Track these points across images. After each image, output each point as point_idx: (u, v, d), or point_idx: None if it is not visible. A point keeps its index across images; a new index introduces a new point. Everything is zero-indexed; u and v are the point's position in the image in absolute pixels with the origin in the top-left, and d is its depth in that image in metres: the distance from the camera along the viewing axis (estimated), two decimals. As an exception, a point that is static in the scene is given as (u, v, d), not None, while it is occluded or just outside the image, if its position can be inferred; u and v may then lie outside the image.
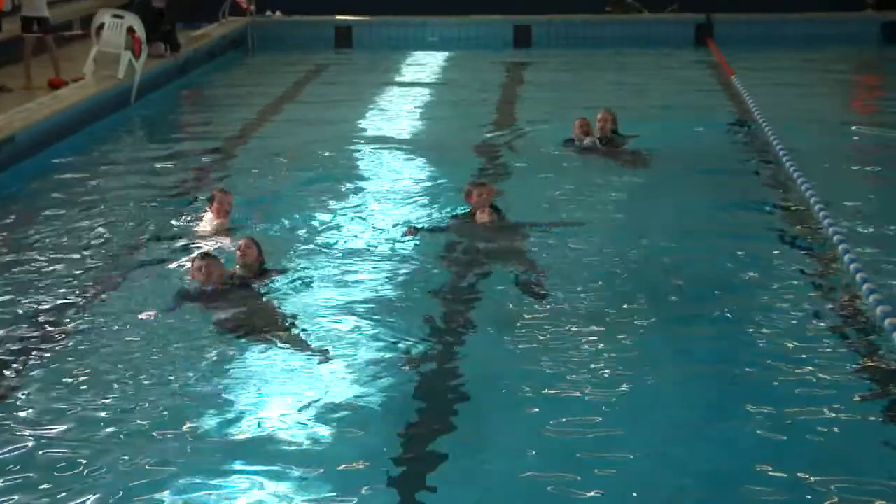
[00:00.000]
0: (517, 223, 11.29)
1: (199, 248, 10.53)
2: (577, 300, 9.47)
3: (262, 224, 11.37)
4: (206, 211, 11.37)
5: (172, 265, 10.29)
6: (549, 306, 9.36)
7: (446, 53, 22.84)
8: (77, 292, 9.71)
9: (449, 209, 11.78)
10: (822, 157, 14.12)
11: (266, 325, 8.83)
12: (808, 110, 17.28)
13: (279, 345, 8.54)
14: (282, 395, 7.81)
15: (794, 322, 9.05)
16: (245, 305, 9.15)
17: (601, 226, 11.43)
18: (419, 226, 11.30)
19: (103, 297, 9.66)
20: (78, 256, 10.66)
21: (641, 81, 19.99)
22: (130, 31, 17.66)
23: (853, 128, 16.36)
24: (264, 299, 9.33)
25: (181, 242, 10.99)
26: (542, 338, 8.74)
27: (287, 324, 8.89)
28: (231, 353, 8.44)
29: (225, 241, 10.72)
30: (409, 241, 10.92)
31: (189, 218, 11.68)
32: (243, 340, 8.64)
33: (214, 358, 8.34)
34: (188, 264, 9.78)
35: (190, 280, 9.50)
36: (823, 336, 8.80)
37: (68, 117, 15.63)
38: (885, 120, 16.80)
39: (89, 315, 9.20)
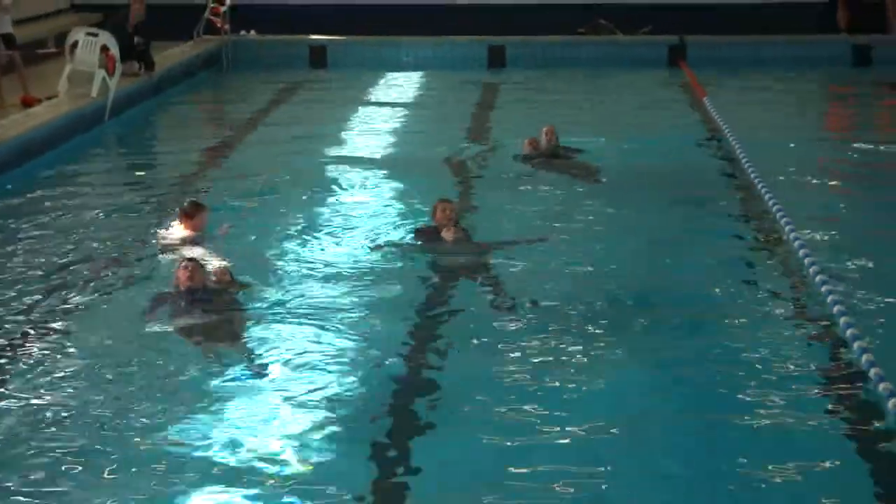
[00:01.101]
0: (482, 240, 11.43)
1: (174, 257, 10.68)
2: (544, 314, 9.58)
3: (233, 238, 11.45)
4: (177, 222, 11.55)
5: (146, 277, 10.44)
6: (515, 321, 9.46)
7: (421, 74, 22.89)
8: (51, 306, 9.78)
9: (412, 223, 11.92)
10: (790, 174, 14.31)
11: (233, 336, 9.04)
12: (779, 131, 17.40)
13: (243, 355, 8.68)
14: (246, 406, 7.90)
15: (760, 334, 9.18)
16: (217, 314, 9.37)
17: (568, 241, 11.59)
18: (384, 241, 11.43)
19: (79, 309, 9.75)
20: (51, 272, 10.70)
21: (615, 102, 20.14)
22: (104, 49, 17.65)
23: (822, 147, 16.59)
24: (235, 310, 9.51)
25: (154, 255, 11.12)
26: (509, 352, 8.83)
27: (252, 335, 9.05)
28: (200, 362, 8.59)
29: (197, 252, 10.77)
30: (376, 255, 11.06)
31: (163, 230, 11.74)
32: (214, 349, 8.79)
33: (184, 366, 8.47)
34: (164, 275, 9.97)
35: (170, 285, 9.70)
36: (789, 347, 8.97)
37: (41, 135, 15.60)
38: (856, 140, 16.91)
39: (62, 329, 9.29)
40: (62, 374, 8.45)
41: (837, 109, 20.86)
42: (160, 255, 11.12)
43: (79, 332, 9.27)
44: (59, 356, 8.77)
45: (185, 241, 11.26)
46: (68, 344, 9.03)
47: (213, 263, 10.22)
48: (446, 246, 11.11)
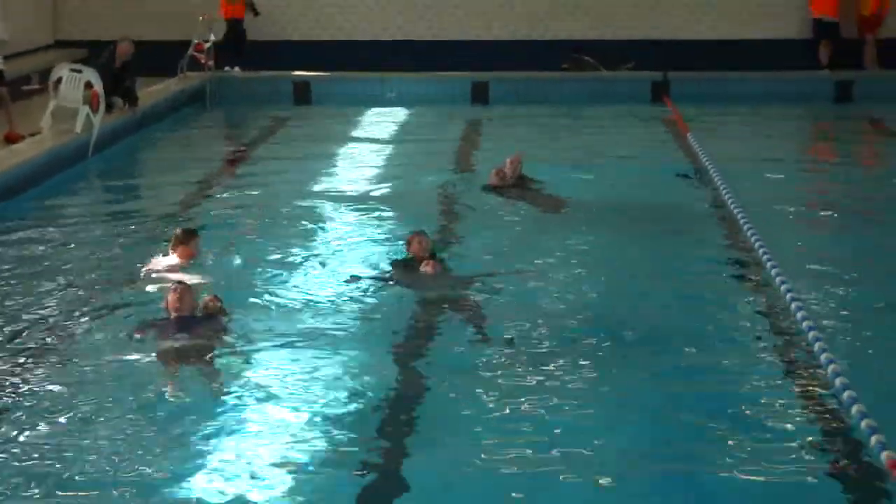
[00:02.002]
0: (459, 273, 11.59)
1: (166, 284, 10.78)
2: (526, 346, 9.69)
3: (218, 269, 11.60)
4: (170, 250, 11.71)
5: (137, 305, 10.61)
6: (496, 352, 9.56)
7: (405, 109, 22.92)
8: (38, 339, 9.85)
9: (388, 256, 12.05)
10: (773, 209, 14.37)
11: (219, 362, 9.27)
12: (761, 166, 17.49)
13: (229, 381, 8.91)
14: (230, 432, 8.05)
15: (740, 370, 9.25)
16: (205, 340, 9.58)
17: (548, 274, 11.73)
18: (363, 274, 11.52)
19: (65, 342, 9.83)
20: (36, 305, 10.75)
21: (597, 137, 20.18)
22: (88, 85, 17.65)
23: (805, 183, 16.72)
24: (222, 337, 9.71)
25: (145, 284, 11.25)
26: (490, 383, 8.94)
27: (238, 362, 9.27)
28: (186, 387, 8.90)
29: (188, 279, 10.89)
30: (357, 287, 11.17)
31: (154, 259, 11.85)
32: (201, 374, 9.08)
33: (170, 391, 8.74)
34: (154, 302, 10.29)
35: (162, 310, 9.92)
36: (767, 377, 9.08)
37: (25, 171, 15.58)
38: (838, 176, 17.06)
39: (48, 362, 9.36)
40: (49, 403, 8.56)
41: (819, 145, 20.97)
42: (151, 284, 11.20)
43: (67, 360, 9.42)
44: (46, 385, 8.89)
45: (177, 269, 11.41)
46: (56, 371, 9.17)
47: (204, 292, 10.33)
48: (425, 279, 11.19)
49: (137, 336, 9.65)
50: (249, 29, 24.64)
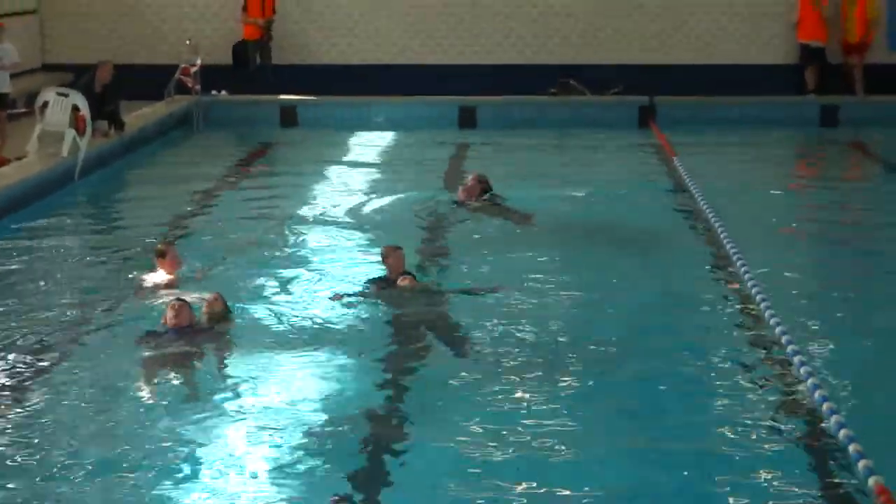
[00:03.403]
0: (436, 288, 11.82)
1: (156, 300, 11.30)
2: (500, 359, 9.91)
3: (204, 289, 11.57)
4: (156, 268, 12.02)
5: (127, 323, 10.90)
6: (475, 366, 9.77)
7: (392, 134, 22.94)
8: (30, 360, 10.00)
9: (368, 274, 12.22)
10: (759, 234, 14.48)
11: (216, 373, 9.69)
12: (748, 190, 17.63)
13: (224, 392, 9.28)
14: (223, 442, 8.38)
15: (719, 383, 9.44)
16: (202, 352, 10.03)
17: (529, 291, 11.95)
18: (343, 292, 11.66)
19: (60, 361, 10.02)
20: (26, 328, 10.86)
21: (584, 161, 20.24)
22: (75, 108, 17.63)
23: (792, 207, 16.86)
24: (218, 349, 10.16)
25: (134, 302, 11.52)
26: (469, 397, 9.14)
27: (232, 374, 9.65)
28: (183, 398, 9.23)
29: (176, 292, 11.31)
30: (336, 304, 11.39)
31: (141, 277, 12.14)
32: (197, 385, 9.48)
33: (167, 403, 9.06)
34: (145, 319, 10.77)
35: (160, 325, 10.34)
36: (749, 396, 9.21)
37: (11, 195, 15.56)
38: (824, 200, 17.11)
39: (44, 382, 9.56)
40: (44, 420, 8.79)
41: (806, 169, 21.02)
42: (143, 300, 11.47)
43: (62, 378, 9.66)
44: (45, 399, 9.18)
45: (163, 284, 11.76)
46: (54, 385, 9.47)
47: (206, 295, 10.89)
48: (403, 293, 11.41)
49: (139, 345, 10.08)
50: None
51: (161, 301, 11.16)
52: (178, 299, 10.50)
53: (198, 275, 12.15)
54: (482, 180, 15.91)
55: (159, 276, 11.97)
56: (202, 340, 10.21)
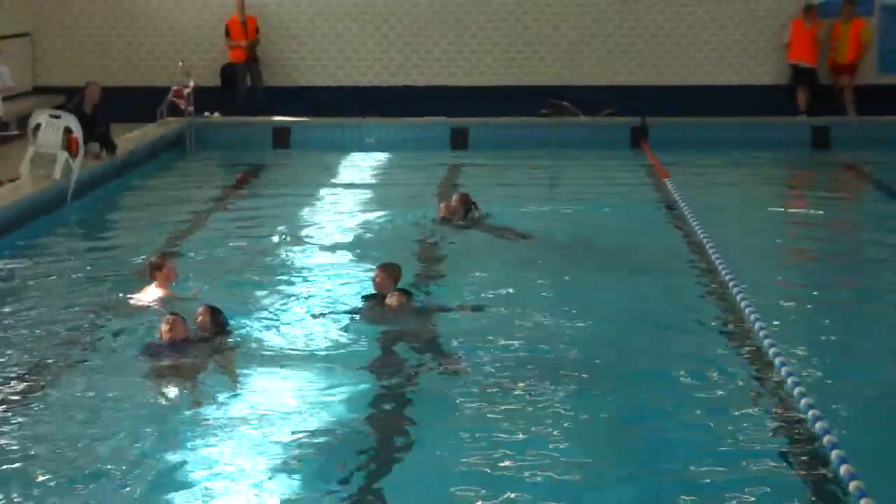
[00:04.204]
0: (426, 306, 11.91)
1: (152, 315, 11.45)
2: (487, 376, 9.99)
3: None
4: (150, 281, 12.15)
5: (124, 336, 11.12)
6: (460, 383, 9.85)
7: (384, 155, 22.96)
8: (25, 377, 10.12)
9: (359, 293, 12.31)
10: (751, 255, 14.51)
11: (209, 386, 9.84)
12: (739, 211, 17.70)
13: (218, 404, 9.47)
14: (219, 451, 8.57)
15: (710, 399, 9.50)
16: (197, 365, 10.21)
17: (516, 308, 12.03)
18: (333, 310, 11.86)
19: (55, 380, 10.13)
20: (20, 347, 10.95)
21: (576, 182, 20.26)
22: (67, 131, 17.64)
23: (783, 228, 16.86)
24: (212, 362, 10.32)
25: (130, 318, 11.68)
26: (455, 416, 9.21)
27: (227, 387, 9.85)
28: (181, 404, 9.48)
29: (171, 307, 11.49)
30: (324, 322, 11.55)
31: (136, 293, 12.25)
32: (192, 398, 9.61)
33: (163, 416, 9.24)
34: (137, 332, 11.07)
35: (157, 338, 10.53)
36: (739, 413, 9.24)
37: (3, 217, 15.54)
38: (815, 221, 17.16)
39: (39, 399, 9.69)
40: (41, 436, 8.90)
41: (797, 191, 21.05)
42: (133, 318, 11.62)
43: (58, 394, 9.79)
44: (36, 419, 9.25)
45: (156, 300, 11.91)
46: (48, 405, 9.54)
47: (198, 309, 11.03)
48: (391, 311, 11.52)
49: (136, 359, 10.32)
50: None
51: (154, 316, 11.34)
52: (172, 313, 10.68)
53: (194, 293, 12.22)
54: (465, 199, 16.15)
55: (152, 292, 12.05)
56: (197, 353, 10.38)
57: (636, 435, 8.96)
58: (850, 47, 24.53)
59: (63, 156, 17.47)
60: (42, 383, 9.97)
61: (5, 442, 8.77)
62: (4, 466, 8.33)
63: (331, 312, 11.84)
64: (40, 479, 8.12)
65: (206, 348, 10.52)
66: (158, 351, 10.39)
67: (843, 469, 7.88)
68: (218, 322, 10.89)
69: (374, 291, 12.03)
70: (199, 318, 10.83)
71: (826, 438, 8.40)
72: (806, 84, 24.54)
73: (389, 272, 12.01)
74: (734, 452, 8.54)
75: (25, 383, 9.96)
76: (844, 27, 24.52)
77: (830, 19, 24.65)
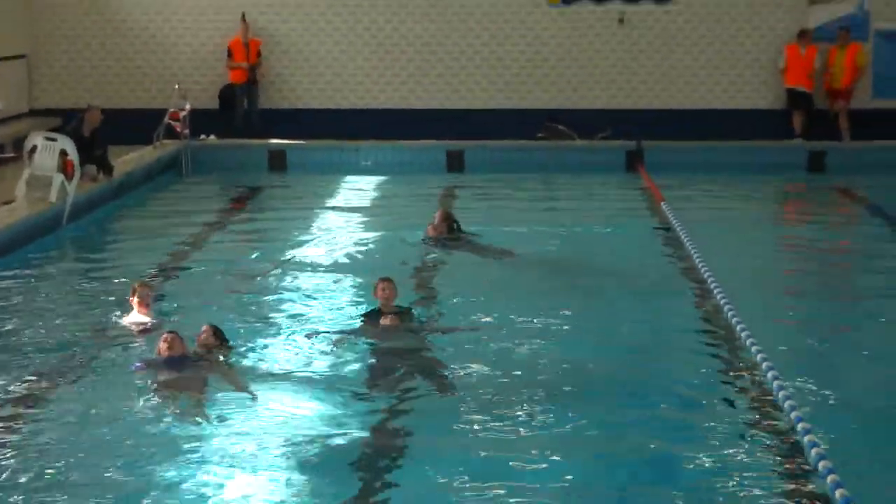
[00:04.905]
0: (421, 325, 12.05)
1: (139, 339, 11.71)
2: (480, 395, 10.09)
3: (194, 329, 11.64)
4: (130, 307, 12.27)
5: (118, 357, 11.26)
6: (451, 402, 9.98)
7: (380, 178, 22.98)
8: (22, 399, 10.19)
9: (358, 312, 12.45)
10: (746, 278, 14.56)
11: (206, 402, 10.00)
12: (735, 235, 17.73)
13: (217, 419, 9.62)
14: (222, 462, 8.76)
15: (708, 432, 9.43)
16: (194, 382, 10.36)
17: (512, 328, 12.18)
18: (318, 331, 11.95)
19: (50, 400, 10.22)
20: (18, 367, 11.01)
21: (572, 205, 20.28)
22: (63, 153, 17.63)
23: (779, 252, 16.97)
24: (209, 378, 10.50)
25: (120, 341, 11.76)
26: (449, 436, 9.29)
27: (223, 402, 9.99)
28: (179, 419, 9.61)
29: (150, 332, 11.69)
30: (320, 340, 11.67)
31: (120, 317, 12.40)
32: (190, 412, 9.72)
33: (160, 431, 9.36)
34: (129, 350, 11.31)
35: (156, 355, 10.70)
36: (733, 433, 9.32)
37: (-1, 239, 15.57)
38: (810, 244, 17.19)
39: (40, 415, 9.83)
40: (40, 450, 9.06)
41: (792, 214, 21.09)
42: (125, 340, 11.75)
43: (59, 410, 9.93)
44: (37, 432, 9.41)
45: (141, 324, 12.05)
46: (48, 420, 9.70)
47: (203, 327, 11.24)
48: (386, 330, 11.70)
49: (136, 374, 10.51)
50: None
51: (144, 338, 11.62)
52: (170, 331, 10.88)
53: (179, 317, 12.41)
54: (448, 216, 16.48)
55: (135, 316, 12.23)
56: (194, 369, 10.58)
57: (627, 457, 8.97)
58: (845, 72, 24.62)
59: (59, 178, 17.47)
60: (38, 401, 10.05)
61: (6, 456, 8.88)
62: (5, 480, 8.43)
63: (327, 332, 11.95)
64: (40, 490, 8.27)
65: (204, 364, 10.69)
66: (157, 366, 10.55)
67: (837, 494, 7.89)
68: (219, 340, 11.10)
69: (372, 309, 12.16)
70: (203, 335, 11.05)
71: (822, 464, 8.39)
72: (802, 108, 24.60)
73: (390, 286, 12.14)
74: (723, 472, 8.56)
75: (21, 403, 10.02)
76: (840, 52, 24.62)
77: (826, 44, 24.74)
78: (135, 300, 12.21)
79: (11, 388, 10.39)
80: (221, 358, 10.89)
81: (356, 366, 11.10)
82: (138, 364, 10.74)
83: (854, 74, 24.63)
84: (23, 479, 8.47)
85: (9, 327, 12.36)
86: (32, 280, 14.58)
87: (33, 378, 10.65)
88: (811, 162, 23.82)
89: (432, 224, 16.38)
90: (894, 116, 24.75)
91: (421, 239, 16.23)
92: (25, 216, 16.77)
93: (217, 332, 11.16)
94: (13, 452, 8.97)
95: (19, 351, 11.50)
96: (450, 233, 16.27)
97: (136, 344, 11.56)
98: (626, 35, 25.49)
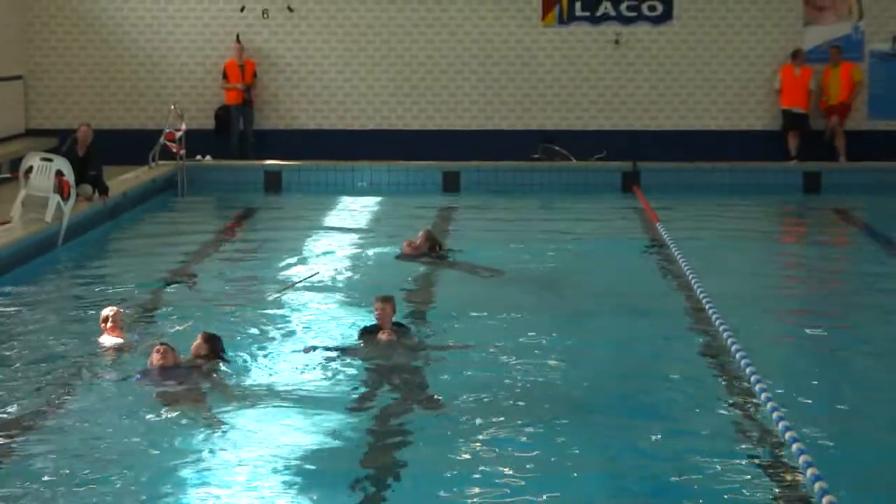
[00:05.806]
0: (417, 343, 12.12)
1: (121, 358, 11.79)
2: (478, 414, 10.08)
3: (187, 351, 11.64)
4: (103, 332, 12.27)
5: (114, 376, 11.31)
6: (444, 418, 10.00)
7: (375, 198, 23.00)
8: (18, 418, 10.21)
9: (352, 330, 12.54)
10: (741, 299, 14.51)
11: (200, 410, 10.12)
12: (731, 256, 17.73)
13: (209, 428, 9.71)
14: (215, 472, 8.86)
15: (702, 452, 9.40)
16: (187, 392, 10.51)
17: (508, 346, 12.22)
18: (313, 346, 12.03)
19: (43, 417, 10.23)
20: (13, 386, 11.03)
21: (567, 226, 20.27)
22: (59, 174, 17.63)
23: (774, 273, 16.93)
24: (202, 389, 10.63)
25: (107, 359, 11.85)
26: (444, 453, 9.27)
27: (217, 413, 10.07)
28: (175, 426, 9.72)
29: (126, 356, 11.80)
30: (318, 356, 11.74)
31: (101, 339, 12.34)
32: (183, 420, 9.85)
33: (154, 440, 9.45)
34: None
35: (149, 365, 10.87)
36: (725, 449, 9.35)
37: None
38: (806, 265, 17.20)
39: (38, 430, 9.87)
40: (39, 465, 9.10)
41: (788, 235, 21.12)
42: (112, 359, 11.83)
43: (55, 423, 10.04)
44: (35, 446, 9.47)
45: (110, 344, 12.08)
46: (46, 432, 9.80)
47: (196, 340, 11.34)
48: (383, 346, 11.80)
49: (130, 384, 10.67)
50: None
51: (131, 356, 11.76)
52: (163, 343, 11.03)
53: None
54: (430, 237, 16.59)
55: (107, 340, 12.22)
56: (187, 378, 10.70)
57: (621, 477, 8.97)
58: (840, 88, 24.68)
59: (55, 199, 17.45)
60: (35, 419, 10.06)
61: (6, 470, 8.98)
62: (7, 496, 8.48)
63: (324, 346, 12.05)
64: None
65: (197, 374, 10.79)
66: (150, 376, 10.71)
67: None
68: (213, 349, 11.18)
69: (369, 325, 12.24)
70: (196, 342, 11.16)
71: (817, 485, 8.39)
72: (797, 129, 24.65)
73: (388, 305, 12.19)
74: (715, 492, 8.55)
75: (17, 423, 10.00)
76: (834, 71, 24.68)
77: (820, 65, 24.80)
78: (107, 326, 12.16)
79: (7, 408, 10.37)
80: (211, 368, 10.97)
81: (353, 381, 11.16)
82: (138, 376, 10.82)
83: (850, 89, 24.69)
84: (20, 488, 8.57)
85: (4, 347, 12.33)
86: (28, 300, 14.56)
87: (28, 398, 10.62)
88: (806, 183, 23.86)
89: (411, 242, 16.50)
90: (890, 137, 24.84)
91: (395, 256, 16.48)
92: (21, 237, 16.76)
93: (210, 340, 11.24)
94: (9, 468, 9.04)
95: (15, 371, 11.47)
96: (430, 251, 16.34)
97: (126, 362, 11.62)
98: (621, 56, 25.55)
